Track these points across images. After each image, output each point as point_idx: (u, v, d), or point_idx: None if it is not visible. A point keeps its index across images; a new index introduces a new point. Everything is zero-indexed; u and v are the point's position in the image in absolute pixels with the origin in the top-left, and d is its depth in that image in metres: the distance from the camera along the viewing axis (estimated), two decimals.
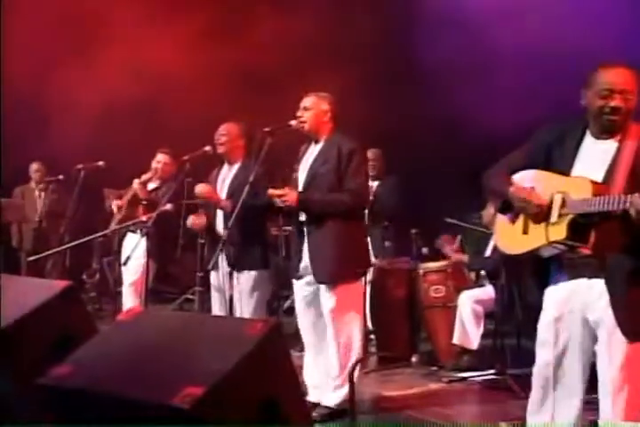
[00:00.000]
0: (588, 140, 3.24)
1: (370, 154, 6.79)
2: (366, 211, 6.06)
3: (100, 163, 6.86)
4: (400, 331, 6.27)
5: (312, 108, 4.73)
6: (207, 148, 5.49)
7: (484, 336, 5.77)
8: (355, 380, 4.32)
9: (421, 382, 5.65)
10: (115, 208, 6.69)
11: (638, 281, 3.08)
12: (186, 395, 2.40)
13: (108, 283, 8.45)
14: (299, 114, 4.74)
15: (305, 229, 4.69)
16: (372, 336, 6.52)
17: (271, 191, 4.63)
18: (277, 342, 2.70)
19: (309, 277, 4.69)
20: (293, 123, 4.76)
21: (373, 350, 6.40)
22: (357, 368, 4.50)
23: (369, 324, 6.33)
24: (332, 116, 4.76)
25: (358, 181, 4.65)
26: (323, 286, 4.64)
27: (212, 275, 5.27)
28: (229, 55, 7.70)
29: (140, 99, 7.92)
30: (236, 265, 5.09)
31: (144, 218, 5.86)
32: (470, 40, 6.90)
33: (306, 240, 4.67)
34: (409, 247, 6.33)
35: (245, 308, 5.12)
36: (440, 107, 7.25)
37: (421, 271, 6.20)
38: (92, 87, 7.95)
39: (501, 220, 3.36)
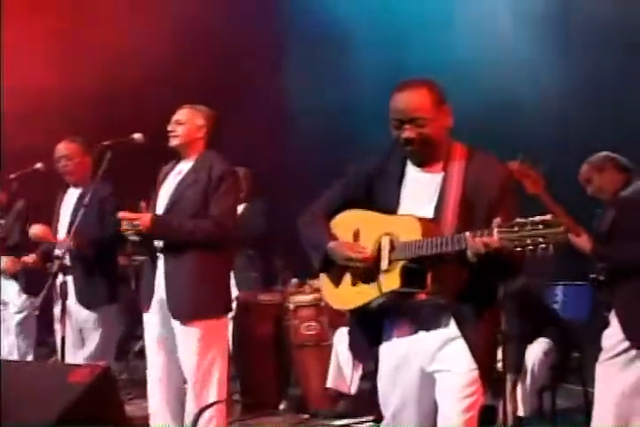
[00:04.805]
0: (411, 169, 3.10)
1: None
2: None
3: None
4: (266, 374, 6.01)
5: (185, 121, 4.51)
6: (38, 165, 5.33)
7: (363, 379, 5.46)
8: None
9: None
10: None
11: (487, 319, 3.05)
12: None
13: None
14: (170, 128, 4.51)
15: (160, 257, 4.41)
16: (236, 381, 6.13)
17: (122, 214, 4.36)
18: (108, 389, 2.70)
19: (164, 313, 4.40)
20: (136, 136, 4.65)
21: (236, 396, 6.02)
22: (203, 415, 4.22)
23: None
24: (207, 131, 4.56)
25: (223, 207, 4.44)
26: (179, 324, 4.34)
27: (57, 307, 4.98)
28: None
29: None
30: (79, 300, 4.98)
31: None
32: None
33: (162, 270, 4.40)
34: (276, 278, 6.11)
35: (89, 349, 4.99)
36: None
37: (291, 306, 5.92)
38: None
39: (326, 275, 3.21)
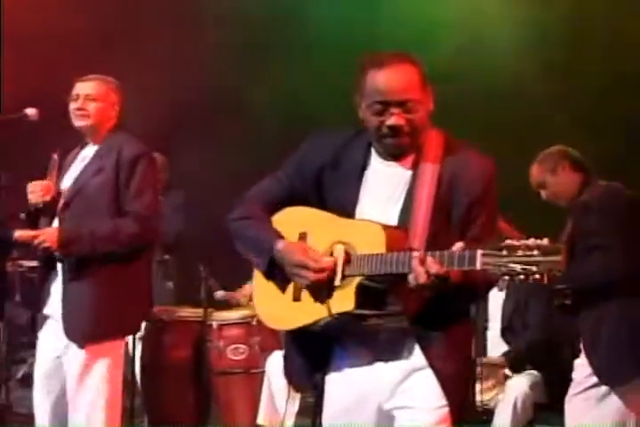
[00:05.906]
0: (375, 162, 2.87)
1: None
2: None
3: None
4: (182, 407, 5.51)
5: (100, 98, 4.21)
6: None
7: (300, 414, 5.12)
8: None
9: None
10: None
11: (459, 345, 2.86)
12: None
13: None
14: (79, 104, 4.16)
15: (59, 265, 4.11)
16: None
17: (19, 235, 4.11)
18: None
19: (58, 330, 4.11)
20: (30, 112, 4.32)
21: None
22: None
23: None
24: (119, 109, 4.31)
25: (144, 201, 4.15)
26: (74, 345, 4.07)
27: None
28: None
29: None
30: None
31: None
32: None
33: (58, 280, 4.12)
34: (197, 290, 5.52)
35: None
36: None
37: (215, 324, 5.50)
38: None
39: (264, 281, 2.94)
